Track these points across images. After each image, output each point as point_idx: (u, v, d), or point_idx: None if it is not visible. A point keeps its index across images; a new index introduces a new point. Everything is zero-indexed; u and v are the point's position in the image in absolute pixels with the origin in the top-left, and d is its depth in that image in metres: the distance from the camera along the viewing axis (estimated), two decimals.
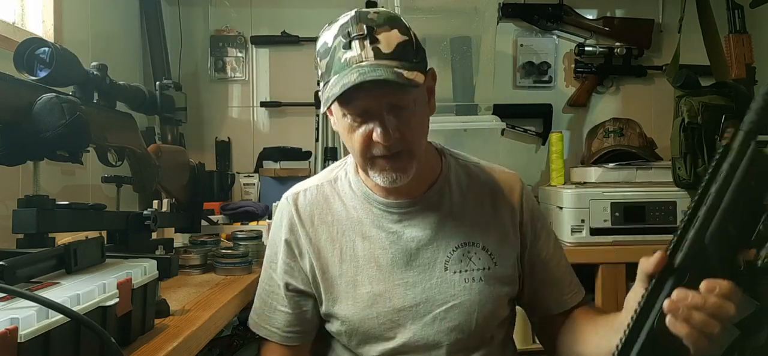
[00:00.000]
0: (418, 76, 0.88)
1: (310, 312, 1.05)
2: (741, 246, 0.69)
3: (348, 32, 0.89)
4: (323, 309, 1.03)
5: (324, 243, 1.02)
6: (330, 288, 1.01)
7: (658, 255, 0.72)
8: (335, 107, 0.94)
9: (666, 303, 0.69)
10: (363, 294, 0.99)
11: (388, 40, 0.89)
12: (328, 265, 1.01)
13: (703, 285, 0.68)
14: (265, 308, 1.08)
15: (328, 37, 0.92)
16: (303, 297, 1.04)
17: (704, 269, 0.69)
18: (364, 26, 0.89)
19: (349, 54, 0.88)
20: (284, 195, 1.09)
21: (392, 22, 0.91)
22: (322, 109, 0.92)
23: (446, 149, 1.10)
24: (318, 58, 0.94)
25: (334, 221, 1.03)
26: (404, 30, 0.92)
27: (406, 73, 0.86)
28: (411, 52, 0.91)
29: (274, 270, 1.07)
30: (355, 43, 0.88)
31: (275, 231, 1.08)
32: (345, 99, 0.88)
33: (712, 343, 0.71)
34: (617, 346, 0.73)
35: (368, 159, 0.94)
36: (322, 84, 0.93)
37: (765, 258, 0.67)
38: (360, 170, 1.03)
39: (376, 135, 0.90)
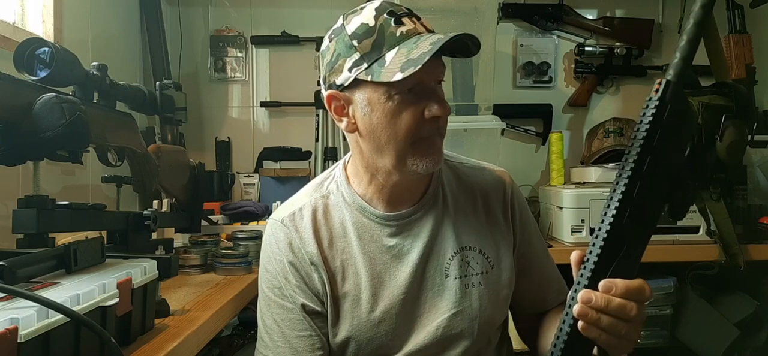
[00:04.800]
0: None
1: (326, 334, 0.99)
2: (666, 201, 0.68)
3: (391, 11, 0.90)
4: (331, 328, 0.99)
5: (327, 263, 0.98)
6: (336, 308, 0.98)
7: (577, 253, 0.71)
8: (374, 92, 0.89)
9: (576, 308, 0.68)
10: (369, 313, 0.96)
11: (426, 22, 0.92)
12: (333, 285, 0.98)
13: (601, 285, 0.68)
14: (281, 342, 0.97)
15: (364, 19, 0.90)
16: (319, 317, 0.98)
17: (639, 232, 0.67)
18: (403, 7, 0.91)
19: (403, 28, 0.88)
20: (276, 219, 1.02)
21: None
22: (399, 76, 0.84)
23: None
24: (355, 41, 0.89)
25: (333, 238, 0.99)
26: None
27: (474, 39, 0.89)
28: None
29: (284, 297, 0.98)
30: (406, 19, 0.89)
31: (273, 257, 1.00)
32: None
33: (623, 342, 0.71)
34: (560, 328, 0.71)
35: (413, 142, 0.90)
36: (364, 64, 0.88)
37: (679, 210, 0.68)
38: (368, 166, 0.97)
39: (434, 109, 0.89)
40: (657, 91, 0.64)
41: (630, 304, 0.68)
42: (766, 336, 1.82)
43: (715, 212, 1.80)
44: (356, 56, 0.89)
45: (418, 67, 0.83)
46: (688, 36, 0.65)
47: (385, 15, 0.89)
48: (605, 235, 0.66)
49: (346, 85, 0.91)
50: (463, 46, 0.90)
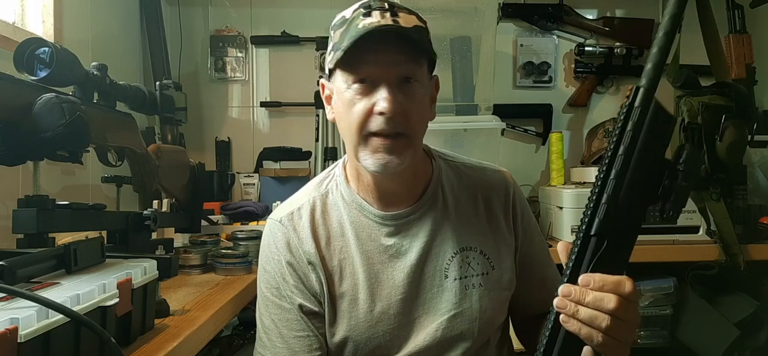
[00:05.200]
0: (425, 54, 0.90)
1: (324, 334, 0.99)
2: (649, 202, 0.70)
3: (369, 4, 0.90)
4: (328, 328, 0.99)
5: (325, 263, 0.98)
6: (334, 308, 0.98)
7: (563, 244, 0.74)
8: (339, 81, 0.91)
9: (556, 301, 0.71)
10: (366, 313, 0.96)
11: (407, 19, 0.89)
12: (330, 284, 0.98)
13: (580, 279, 0.70)
14: (279, 342, 0.97)
15: (345, 13, 0.92)
16: (316, 318, 0.98)
17: (620, 230, 0.70)
18: (386, 3, 0.91)
19: (368, 20, 0.87)
20: (275, 219, 1.02)
21: (412, 10, 0.93)
22: (328, 65, 0.89)
23: (434, 150, 1.07)
24: (332, 32, 0.93)
25: (331, 238, 0.99)
26: (423, 21, 0.93)
27: (420, 41, 0.88)
28: (426, 39, 0.91)
29: (282, 297, 0.98)
30: (376, 12, 0.88)
31: (272, 257, 1.00)
32: (353, 62, 0.88)
33: (610, 339, 0.70)
34: (544, 334, 0.74)
35: (364, 136, 0.90)
36: (333, 53, 0.91)
37: (670, 210, 0.70)
38: (351, 161, 0.99)
39: (380, 104, 0.87)
40: (628, 96, 0.70)
41: (608, 297, 0.69)
42: (766, 336, 1.82)
43: (715, 212, 1.80)
44: (331, 45, 0.93)
45: (340, 54, 0.86)
46: (658, 44, 0.70)
47: (361, 9, 0.90)
48: (582, 233, 0.71)
49: (327, 74, 0.96)
50: (411, 42, 0.88)
